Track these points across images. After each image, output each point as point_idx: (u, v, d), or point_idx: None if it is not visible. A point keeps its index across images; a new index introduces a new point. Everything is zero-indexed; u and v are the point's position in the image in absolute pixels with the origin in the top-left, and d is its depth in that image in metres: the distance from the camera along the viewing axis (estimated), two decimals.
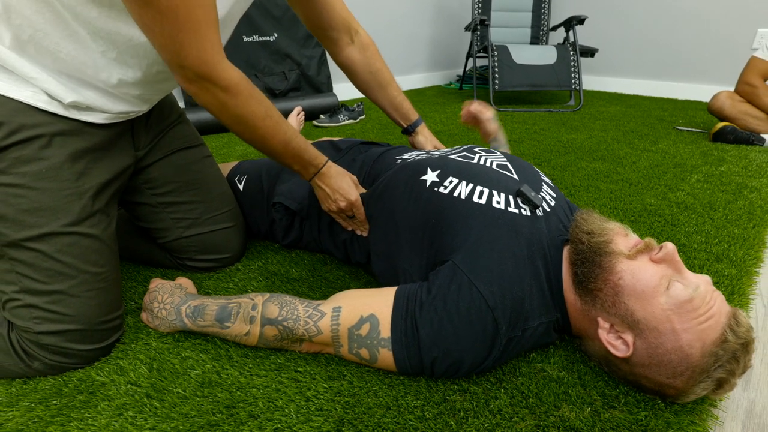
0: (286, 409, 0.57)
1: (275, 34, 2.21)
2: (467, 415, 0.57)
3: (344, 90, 2.84)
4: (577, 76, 2.52)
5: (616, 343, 0.58)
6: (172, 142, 0.78)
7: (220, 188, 0.85)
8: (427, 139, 0.98)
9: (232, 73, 0.59)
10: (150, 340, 0.68)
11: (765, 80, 1.84)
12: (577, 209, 0.73)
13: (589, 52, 2.66)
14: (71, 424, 0.54)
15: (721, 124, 1.83)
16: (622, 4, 3.05)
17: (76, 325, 0.60)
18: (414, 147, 0.99)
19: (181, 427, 0.54)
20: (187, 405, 0.57)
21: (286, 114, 2.05)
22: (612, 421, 0.56)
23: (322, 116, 2.18)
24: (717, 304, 0.54)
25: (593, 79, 3.30)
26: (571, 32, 2.62)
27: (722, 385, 0.54)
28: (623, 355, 0.57)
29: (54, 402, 0.57)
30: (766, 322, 0.79)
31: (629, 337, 0.57)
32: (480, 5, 2.95)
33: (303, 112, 1.86)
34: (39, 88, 0.56)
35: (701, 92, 2.85)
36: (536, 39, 3.00)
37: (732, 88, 1.93)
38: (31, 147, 0.56)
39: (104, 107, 0.62)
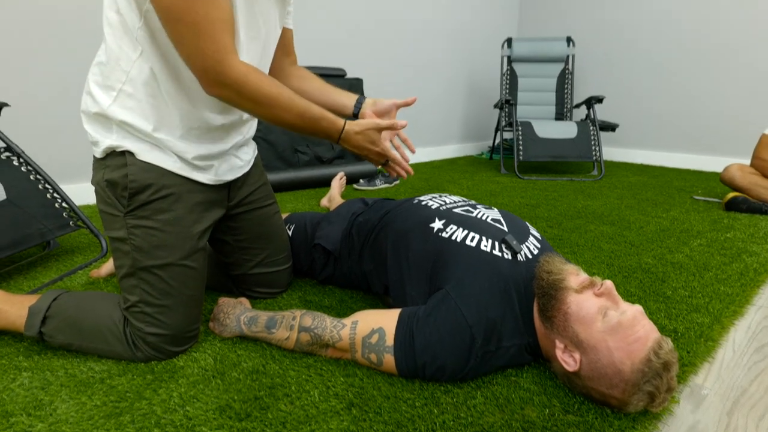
0: (311, 392, 0.76)
1: None
2: (448, 407, 0.73)
3: None
4: (597, 148, 2.72)
5: (568, 360, 0.73)
6: (255, 200, 1.02)
7: (281, 238, 1.09)
8: (367, 105, 1.04)
9: (241, 67, 0.72)
10: (215, 342, 0.91)
11: None
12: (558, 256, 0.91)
13: (609, 127, 2.87)
14: (161, 389, 0.76)
15: (732, 194, 1.94)
16: (641, 85, 3.28)
17: (171, 331, 0.83)
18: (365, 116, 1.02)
19: (236, 397, 0.74)
20: (240, 384, 0.78)
21: (329, 179, 2.38)
22: (565, 421, 0.70)
23: (361, 180, 2.49)
24: (645, 329, 0.69)
25: (619, 151, 3.47)
26: (591, 110, 2.86)
27: (654, 398, 0.68)
28: (572, 369, 0.72)
29: (149, 376, 0.80)
30: (731, 364, 0.90)
31: (577, 355, 0.72)
32: (508, 86, 3.30)
33: (345, 177, 2.17)
34: (177, 157, 0.82)
35: (725, 165, 2.94)
36: (560, 115, 3.26)
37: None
38: (166, 201, 0.81)
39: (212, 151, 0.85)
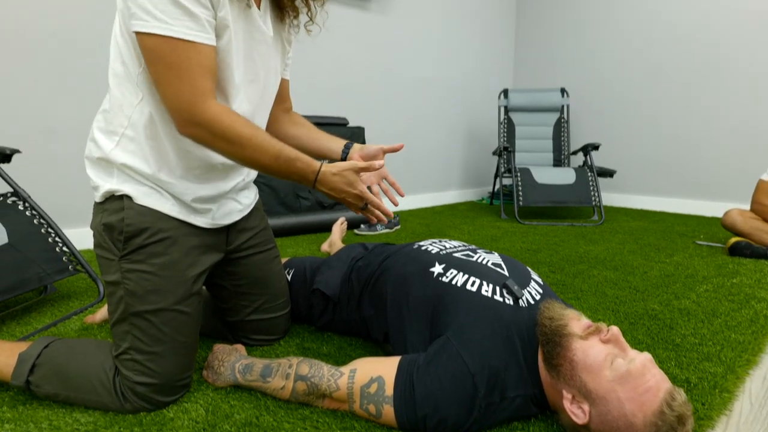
0: None
1: (328, 159, 2.67)
2: None
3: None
4: (596, 193, 2.74)
5: (577, 412, 0.70)
6: (255, 245, 1.01)
7: (280, 283, 1.07)
8: (355, 149, 1.05)
9: (215, 107, 0.73)
10: (208, 391, 0.87)
11: None
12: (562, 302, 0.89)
13: (607, 174, 2.91)
14: None
15: (735, 239, 1.93)
16: (636, 132, 3.37)
17: (160, 380, 0.80)
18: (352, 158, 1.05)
19: None
20: None
21: (331, 224, 2.39)
22: None
23: (362, 225, 2.50)
24: (655, 378, 0.66)
25: (618, 197, 3.50)
26: (588, 157, 2.92)
27: None
28: (581, 422, 0.69)
29: (136, 428, 0.76)
30: (749, 417, 0.85)
31: (585, 406, 0.69)
32: (505, 134, 3.39)
33: (346, 222, 2.18)
34: (174, 200, 0.83)
35: (724, 210, 2.95)
36: (558, 162, 3.33)
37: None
38: (162, 245, 0.81)
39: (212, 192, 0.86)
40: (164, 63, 0.70)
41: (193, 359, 0.86)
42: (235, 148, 0.75)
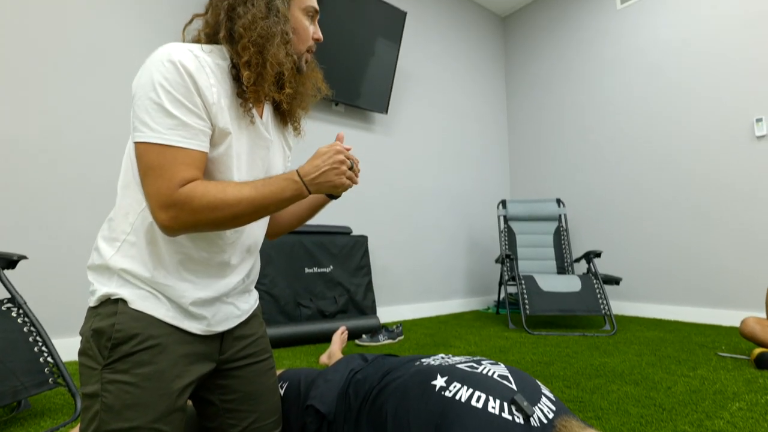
0: None
1: (331, 266, 2.68)
2: None
3: (387, 313, 3.13)
4: (605, 302, 2.67)
5: None
6: (250, 355, 0.95)
7: (272, 399, 0.99)
8: None
9: (187, 186, 0.73)
10: None
11: None
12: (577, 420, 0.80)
13: (613, 281, 2.87)
14: None
15: (759, 350, 1.81)
16: (637, 241, 3.41)
17: None
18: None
19: None
20: None
21: (331, 334, 2.30)
22: None
23: (364, 336, 2.39)
24: None
25: (628, 305, 3.40)
26: (591, 264, 2.91)
27: None
28: None
29: None
30: None
31: None
32: (507, 243, 3.43)
33: (347, 332, 2.09)
34: (170, 305, 0.81)
35: (740, 318, 2.83)
36: (562, 269, 3.31)
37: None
38: (149, 353, 0.77)
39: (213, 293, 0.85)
40: (150, 165, 0.73)
41: None
42: (218, 212, 0.74)
